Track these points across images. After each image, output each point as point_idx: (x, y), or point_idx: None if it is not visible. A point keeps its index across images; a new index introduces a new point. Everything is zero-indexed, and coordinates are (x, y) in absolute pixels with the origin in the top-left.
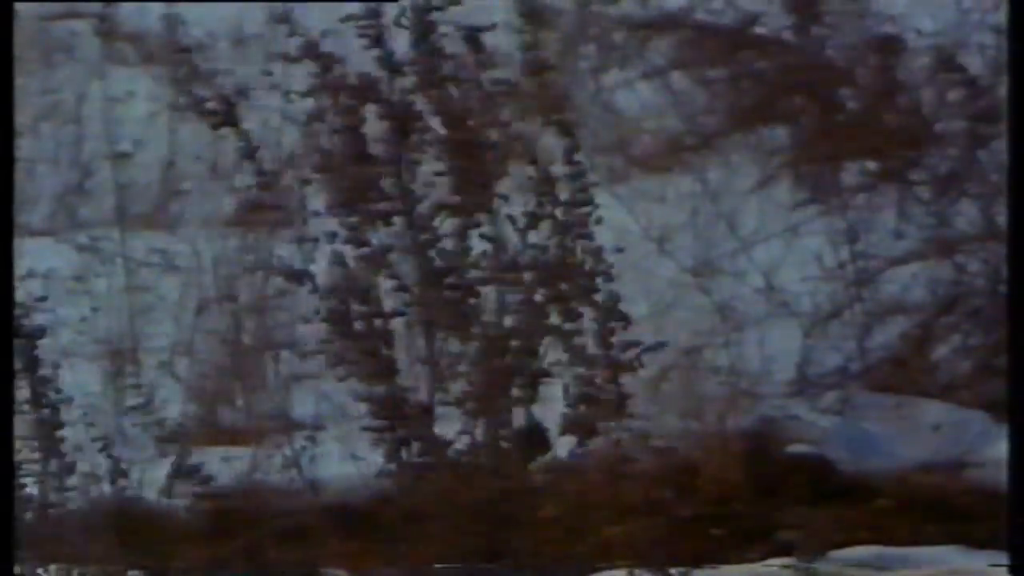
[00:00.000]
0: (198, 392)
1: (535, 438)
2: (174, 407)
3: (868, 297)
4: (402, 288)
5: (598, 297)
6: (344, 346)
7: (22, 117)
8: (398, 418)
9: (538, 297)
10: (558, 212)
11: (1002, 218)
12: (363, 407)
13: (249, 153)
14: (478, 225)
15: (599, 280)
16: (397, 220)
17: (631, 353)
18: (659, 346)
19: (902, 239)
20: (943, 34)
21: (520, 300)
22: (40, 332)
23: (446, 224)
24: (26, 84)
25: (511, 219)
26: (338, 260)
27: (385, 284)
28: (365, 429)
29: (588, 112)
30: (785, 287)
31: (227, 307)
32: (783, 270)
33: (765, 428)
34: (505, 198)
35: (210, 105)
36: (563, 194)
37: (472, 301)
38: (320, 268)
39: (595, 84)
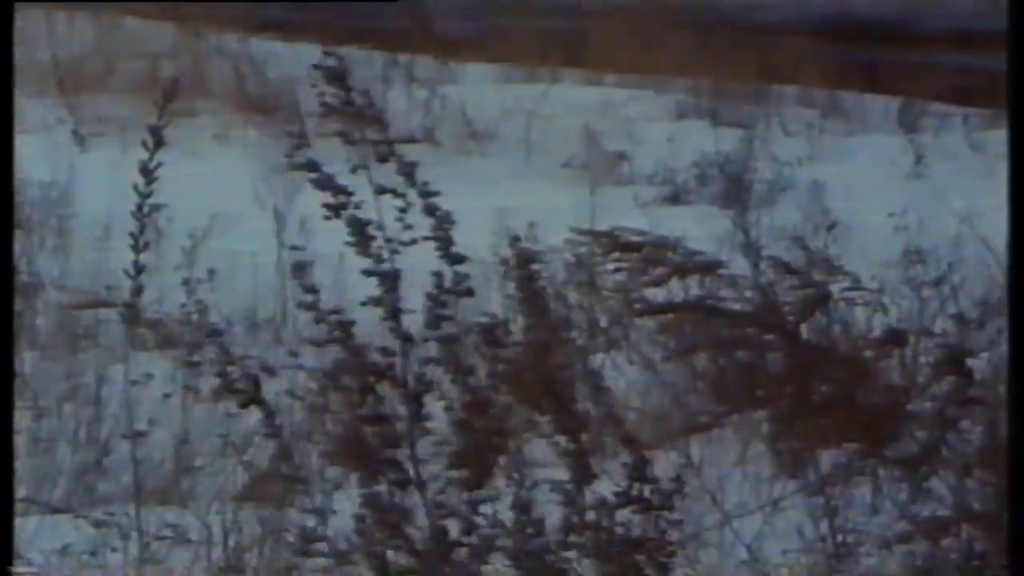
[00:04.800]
0: None
1: None
2: None
3: (847, 569)
4: (413, 553)
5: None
6: None
7: (44, 400)
8: None
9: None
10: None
11: (973, 497)
12: None
13: (273, 430)
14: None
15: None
16: (411, 488)
17: None
18: None
19: (878, 515)
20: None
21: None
22: None
23: (458, 496)
24: (51, 368)
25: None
26: (355, 527)
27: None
28: None
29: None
30: (768, 559)
31: None
32: (766, 543)
33: None
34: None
35: (238, 385)
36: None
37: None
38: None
39: (584, 365)
